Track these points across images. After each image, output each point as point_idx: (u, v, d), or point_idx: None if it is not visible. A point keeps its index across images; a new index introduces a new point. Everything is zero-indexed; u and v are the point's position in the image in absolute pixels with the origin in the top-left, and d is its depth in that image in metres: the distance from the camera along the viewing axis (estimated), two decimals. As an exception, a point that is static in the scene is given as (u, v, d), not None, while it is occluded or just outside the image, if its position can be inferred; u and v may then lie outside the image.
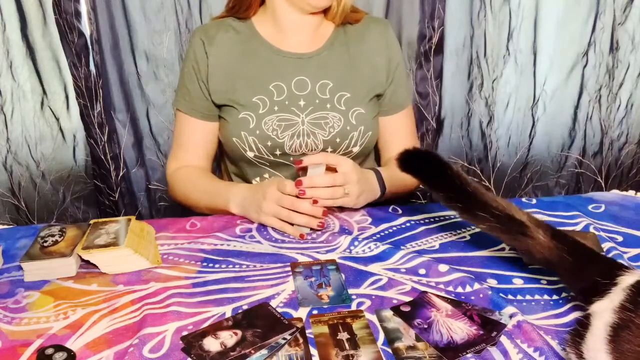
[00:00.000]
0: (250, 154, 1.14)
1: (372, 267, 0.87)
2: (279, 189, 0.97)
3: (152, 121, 1.69)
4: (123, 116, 1.66)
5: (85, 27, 1.53)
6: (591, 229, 0.96)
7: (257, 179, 1.19)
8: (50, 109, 1.67)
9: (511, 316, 0.74)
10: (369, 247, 0.92)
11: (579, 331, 0.63)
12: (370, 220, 1.03)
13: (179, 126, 1.20)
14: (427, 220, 1.02)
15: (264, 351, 0.69)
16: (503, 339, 0.71)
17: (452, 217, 1.03)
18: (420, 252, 0.91)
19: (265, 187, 1.00)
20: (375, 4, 1.61)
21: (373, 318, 0.75)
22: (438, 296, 0.80)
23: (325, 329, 0.73)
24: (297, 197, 0.96)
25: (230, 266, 0.88)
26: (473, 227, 0.99)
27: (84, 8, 1.52)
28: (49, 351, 0.69)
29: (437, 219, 1.03)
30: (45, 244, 0.89)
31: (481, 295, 0.79)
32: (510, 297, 0.80)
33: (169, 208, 1.80)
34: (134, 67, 1.62)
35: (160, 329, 0.73)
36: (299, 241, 0.96)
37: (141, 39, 1.59)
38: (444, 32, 1.64)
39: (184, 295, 0.81)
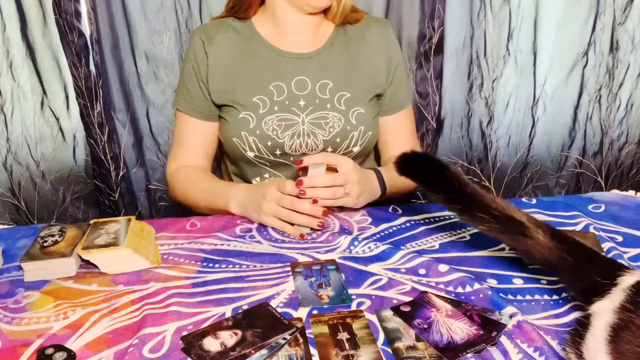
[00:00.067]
0: (250, 154, 1.14)
1: (372, 267, 0.87)
2: (279, 189, 0.97)
3: (152, 121, 1.69)
4: (123, 116, 1.66)
5: (85, 27, 1.53)
6: (591, 229, 0.96)
7: (257, 179, 1.19)
8: (50, 109, 1.67)
9: (511, 316, 0.74)
10: (369, 247, 0.92)
11: (578, 331, 0.63)
12: (370, 220, 1.03)
13: (179, 126, 1.20)
14: (427, 220, 1.02)
15: (264, 351, 0.69)
16: (503, 339, 0.71)
17: (452, 217, 1.03)
18: (420, 252, 0.91)
19: (265, 187, 0.99)
20: (375, 4, 1.61)
21: (373, 318, 0.75)
22: (438, 296, 0.80)
23: (325, 329, 0.73)
24: (297, 197, 0.96)
25: (230, 266, 0.88)
26: (473, 227, 0.99)
27: (84, 8, 1.52)
28: (49, 351, 0.69)
29: (437, 219, 1.03)
30: (45, 244, 0.89)
31: (481, 295, 0.79)
32: (510, 297, 0.80)
33: (169, 208, 1.80)
34: (134, 67, 1.62)
35: (160, 329, 0.73)
36: (299, 241, 0.96)
37: (141, 39, 1.59)
38: (444, 32, 1.64)
39: (184, 295, 0.81)
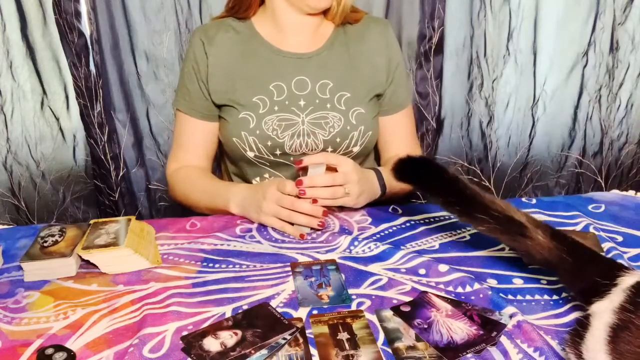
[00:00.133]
0: (250, 154, 1.14)
1: (372, 267, 0.87)
2: (279, 189, 0.97)
3: (152, 121, 1.69)
4: (123, 116, 1.66)
5: (85, 27, 1.53)
6: (591, 229, 0.96)
7: (257, 179, 1.19)
8: (50, 109, 1.67)
9: (511, 316, 0.74)
10: (369, 247, 0.92)
11: (578, 331, 0.63)
12: (370, 220, 1.03)
13: (179, 126, 1.20)
14: (427, 220, 1.02)
15: (264, 351, 0.69)
16: (503, 339, 0.71)
17: (452, 217, 1.03)
18: (420, 252, 0.91)
19: (265, 187, 1.00)
20: (375, 4, 1.61)
21: (373, 318, 0.75)
22: (438, 296, 0.80)
23: (325, 329, 0.73)
24: (297, 197, 0.96)
25: (230, 266, 0.88)
26: (473, 227, 0.99)
27: (84, 8, 1.52)
28: (49, 351, 0.69)
29: (437, 219, 1.03)
30: (45, 244, 0.89)
31: (481, 295, 0.79)
32: (510, 297, 0.80)
33: (169, 208, 1.80)
34: (134, 67, 1.62)
35: (160, 329, 0.73)
36: (299, 241, 0.96)
37: (141, 39, 1.59)
38: (444, 32, 1.64)
39: (184, 295, 0.81)
